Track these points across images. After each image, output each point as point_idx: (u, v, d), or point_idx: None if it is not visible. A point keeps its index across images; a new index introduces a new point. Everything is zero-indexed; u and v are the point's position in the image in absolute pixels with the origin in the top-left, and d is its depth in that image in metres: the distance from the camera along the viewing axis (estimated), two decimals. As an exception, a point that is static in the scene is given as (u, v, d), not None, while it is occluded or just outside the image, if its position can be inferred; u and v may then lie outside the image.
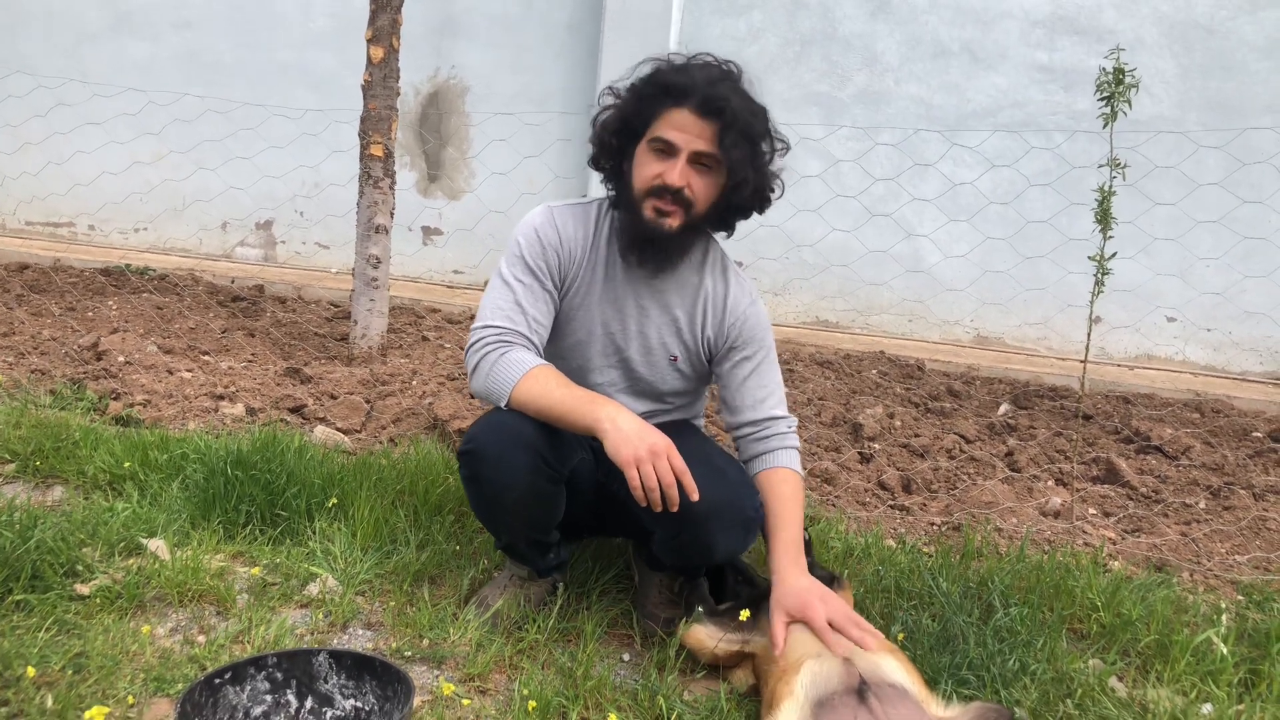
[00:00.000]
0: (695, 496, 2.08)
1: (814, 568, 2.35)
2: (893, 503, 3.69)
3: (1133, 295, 6.08)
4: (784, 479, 2.35)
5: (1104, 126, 3.40)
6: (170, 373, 4.12)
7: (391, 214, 4.83)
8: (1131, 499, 3.82)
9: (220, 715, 1.76)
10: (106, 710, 1.71)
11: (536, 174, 6.88)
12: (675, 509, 2.07)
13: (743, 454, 2.42)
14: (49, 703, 1.87)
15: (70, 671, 1.99)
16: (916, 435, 4.32)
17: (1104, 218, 3.43)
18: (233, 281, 6.60)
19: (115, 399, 3.77)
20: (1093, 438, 4.53)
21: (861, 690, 1.90)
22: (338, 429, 3.63)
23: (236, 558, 2.61)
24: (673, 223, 2.26)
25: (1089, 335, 3.70)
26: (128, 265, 6.69)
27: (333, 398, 3.98)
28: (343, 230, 5.57)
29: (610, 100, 2.34)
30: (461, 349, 5.35)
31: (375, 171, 4.72)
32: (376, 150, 4.70)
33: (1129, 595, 2.68)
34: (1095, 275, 3.51)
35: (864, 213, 6.43)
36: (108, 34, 7.58)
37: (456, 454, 2.28)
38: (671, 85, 2.22)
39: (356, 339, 4.87)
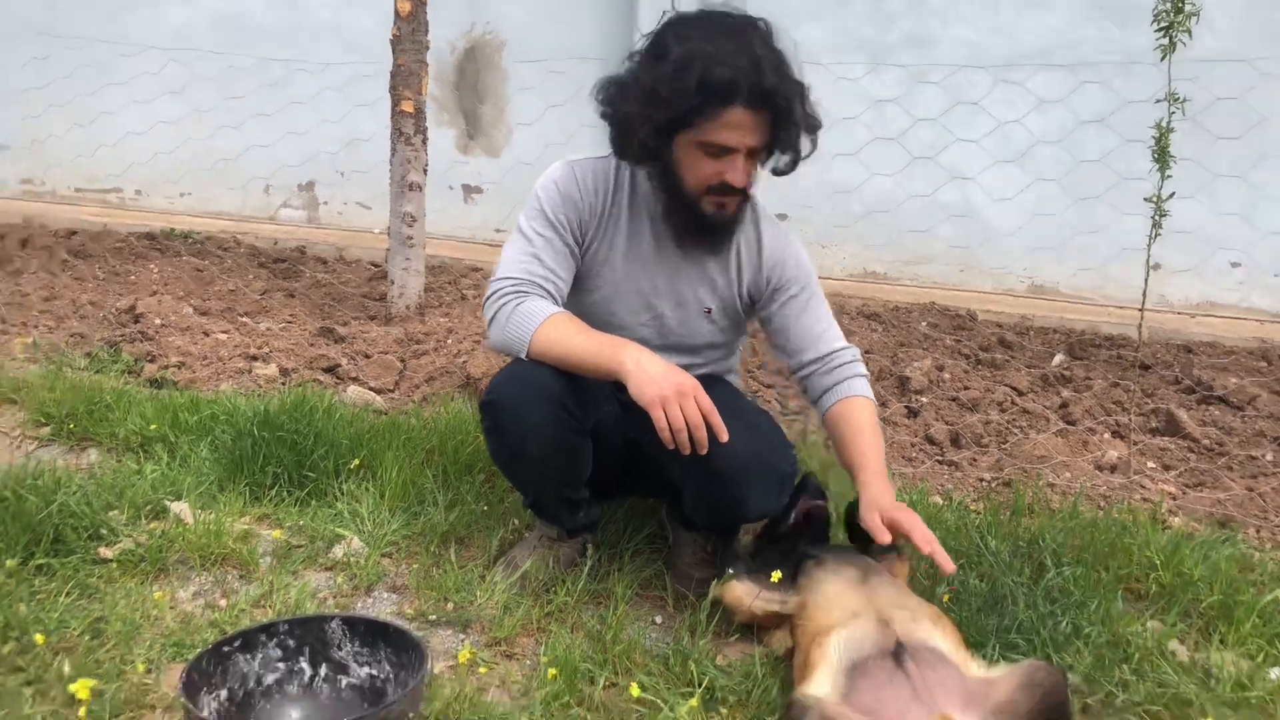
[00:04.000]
0: (725, 437, 1.99)
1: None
2: (940, 458, 3.57)
3: (1193, 238, 5.81)
4: (860, 406, 2.30)
5: (1162, 59, 3.22)
6: (206, 334, 4.09)
7: (424, 170, 4.75)
8: (1193, 451, 3.65)
9: (231, 683, 1.71)
10: (92, 683, 1.67)
11: (575, 128, 6.76)
12: (704, 451, 1.99)
13: (811, 391, 2.36)
14: (65, 668, 1.83)
15: (88, 637, 1.96)
16: (966, 388, 4.18)
17: (1162, 156, 3.25)
18: (275, 243, 6.59)
19: (150, 361, 3.75)
20: (1151, 388, 4.35)
21: (898, 653, 1.80)
22: (370, 388, 3.58)
23: (262, 520, 2.57)
24: (732, 209, 2.21)
25: (1146, 281, 3.54)
26: (172, 230, 6.70)
27: (366, 357, 3.93)
28: (384, 189, 5.53)
29: (634, 86, 2.11)
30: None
31: (406, 128, 4.64)
32: (407, 106, 4.61)
33: (1190, 553, 2.55)
34: (1153, 217, 3.34)
35: (908, 156, 6.23)
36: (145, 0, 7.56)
37: (479, 405, 2.21)
38: (717, 85, 2.02)
39: (394, 298, 4.82)
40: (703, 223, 2.19)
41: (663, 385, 1.97)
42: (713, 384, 2.31)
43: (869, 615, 1.91)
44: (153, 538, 2.33)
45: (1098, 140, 5.90)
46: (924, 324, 5.50)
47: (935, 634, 1.88)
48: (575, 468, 2.26)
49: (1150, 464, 3.53)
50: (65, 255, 5.62)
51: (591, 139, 6.64)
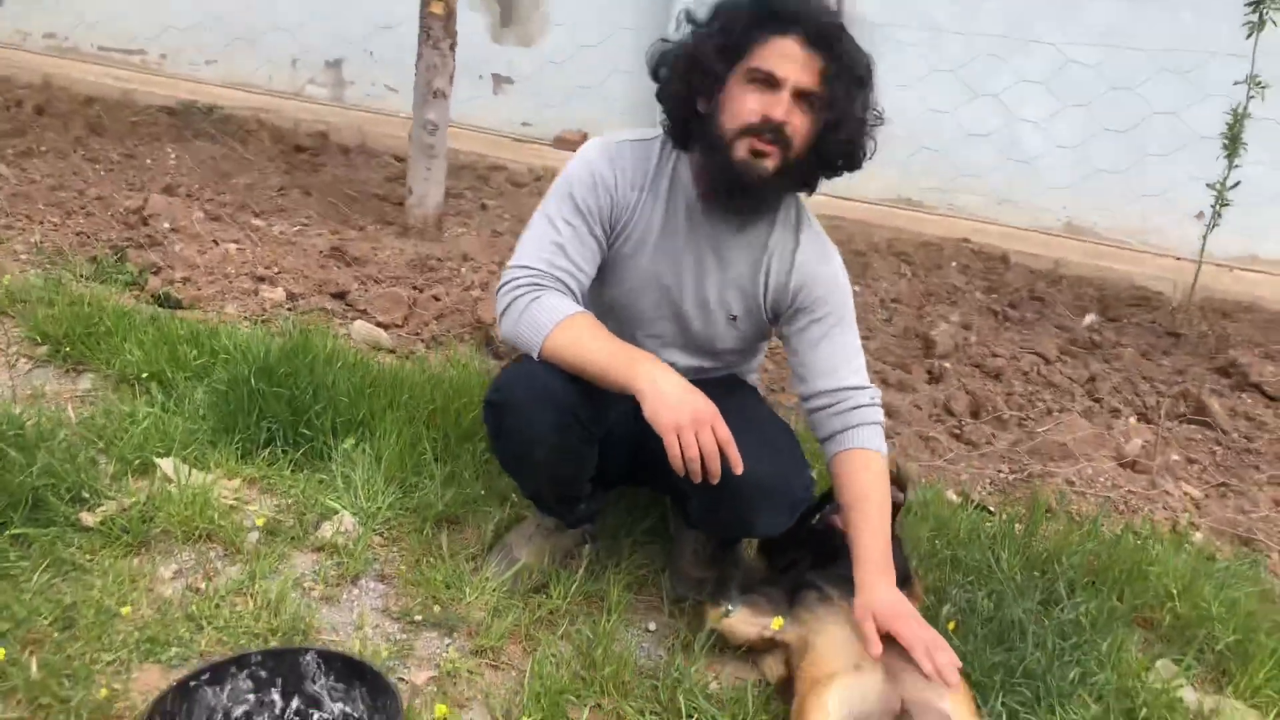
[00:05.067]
0: (739, 469, 1.88)
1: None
2: (958, 431, 3.45)
3: (1240, 188, 5.51)
4: (865, 465, 2.09)
5: (1248, 37, 2.98)
6: (216, 243, 3.97)
7: (451, 78, 4.54)
8: (1220, 445, 3.53)
9: (197, 715, 1.65)
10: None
11: (615, 19, 6.50)
12: (716, 481, 1.88)
13: (817, 431, 2.17)
14: (33, 668, 1.78)
15: (59, 629, 1.89)
16: (993, 354, 4.04)
17: (1233, 144, 3.05)
18: (297, 125, 6.41)
19: (155, 273, 3.64)
20: (1184, 365, 4.20)
21: (900, 718, 1.73)
22: (378, 323, 3.47)
23: (253, 484, 2.48)
24: (769, 164, 1.98)
25: (1200, 262, 3.36)
26: (194, 103, 6.52)
27: (377, 282, 3.81)
28: (413, 74, 5.31)
29: (689, 28, 2.03)
30: (522, 222, 5.12)
31: (435, 31, 4.42)
32: (436, 8, 4.38)
33: (1209, 582, 2.46)
34: (1214, 207, 3.16)
35: (962, 87, 5.94)
36: None
37: (483, 403, 2.10)
38: (778, 9, 1.93)
39: (412, 208, 4.66)
40: (735, 174, 2.00)
41: (679, 412, 1.84)
42: (732, 390, 2.20)
43: (874, 668, 1.83)
44: (136, 503, 2.25)
45: (1150, 81, 5.57)
46: (954, 266, 5.33)
47: (944, 693, 1.80)
48: (581, 472, 2.16)
49: (1175, 456, 3.41)
50: (80, 132, 5.46)
51: (633, 40, 6.37)
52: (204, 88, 7.07)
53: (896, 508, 2.23)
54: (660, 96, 2.08)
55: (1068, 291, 5.10)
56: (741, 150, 1.97)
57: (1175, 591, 2.42)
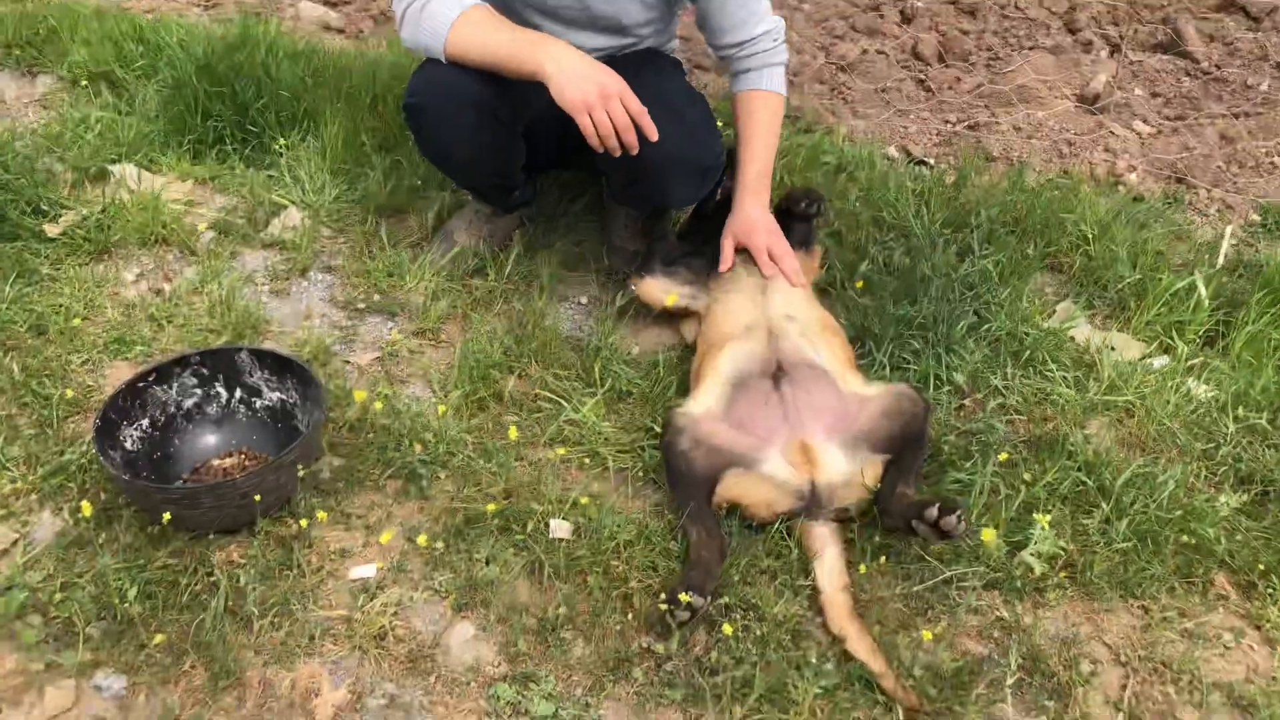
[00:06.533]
0: (654, 138, 1.93)
1: (793, 224, 2.30)
2: (922, 77, 3.43)
3: None
4: (763, 103, 2.24)
5: None
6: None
7: None
8: (1189, 75, 3.47)
9: (151, 412, 1.86)
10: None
11: None
12: (635, 153, 1.94)
13: (728, 73, 2.31)
14: (15, 372, 1.99)
15: (34, 335, 2.10)
16: (972, -13, 3.90)
17: None
18: None
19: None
20: (1175, -15, 4.02)
21: (777, 375, 1.91)
22: (325, 2, 3.42)
23: (204, 184, 2.60)
24: None
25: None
26: None
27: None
28: None
29: None
30: None
31: None
32: None
33: (1127, 226, 2.55)
34: None
35: None
36: None
37: (402, 106, 2.14)
38: None
39: None
40: None
41: (586, 88, 1.86)
42: (643, 65, 2.22)
43: (760, 330, 2.00)
44: (94, 212, 2.39)
45: None
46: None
47: (821, 348, 1.98)
48: (507, 165, 2.24)
49: (1138, 91, 3.38)
50: None
51: None
52: None
53: (808, 217, 2.34)
54: None
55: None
56: None
57: (1091, 236, 2.52)
